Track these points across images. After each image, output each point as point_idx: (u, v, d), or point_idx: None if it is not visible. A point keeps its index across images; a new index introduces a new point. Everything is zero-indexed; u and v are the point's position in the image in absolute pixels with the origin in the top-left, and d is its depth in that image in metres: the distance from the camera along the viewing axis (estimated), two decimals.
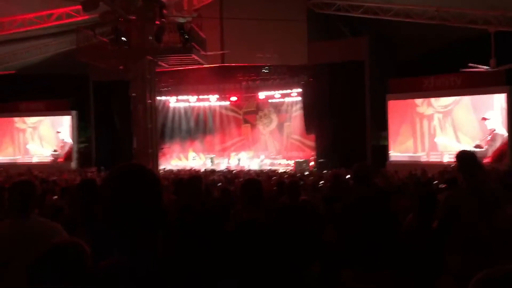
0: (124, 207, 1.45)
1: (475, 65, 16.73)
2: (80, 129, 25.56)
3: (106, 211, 1.48)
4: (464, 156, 3.70)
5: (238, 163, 25.26)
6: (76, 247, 2.04)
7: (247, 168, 23.05)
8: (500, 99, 17.83)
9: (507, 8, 15.91)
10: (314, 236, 3.88)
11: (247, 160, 25.67)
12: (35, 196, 3.24)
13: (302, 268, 2.90)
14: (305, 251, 3.30)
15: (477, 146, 17.96)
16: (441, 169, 13.60)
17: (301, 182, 7.87)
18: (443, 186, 7.20)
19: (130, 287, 1.43)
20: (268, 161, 25.37)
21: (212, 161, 25.49)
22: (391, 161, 20.22)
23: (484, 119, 18.08)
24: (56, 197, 7.06)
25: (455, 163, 3.78)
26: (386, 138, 21.11)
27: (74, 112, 24.89)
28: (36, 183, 3.54)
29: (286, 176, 15.81)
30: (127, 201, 1.45)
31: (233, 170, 20.71)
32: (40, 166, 22.59)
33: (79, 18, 17.59)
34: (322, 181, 10.43)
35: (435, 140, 19.40)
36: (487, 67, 16.86)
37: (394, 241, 3.71)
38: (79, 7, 14.99)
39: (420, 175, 13.25)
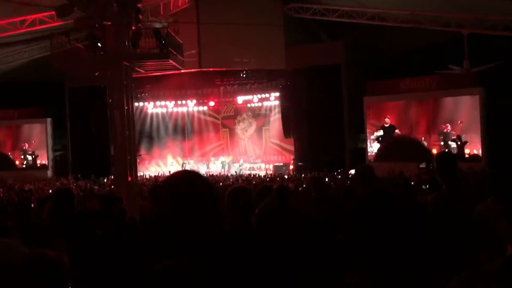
0: (184, 213, 1.49)
1: (450, 67, 17.07)
2: (55, 137, 25.10)
3: (166, 215, 1.52)
4: (443, 158, 3.74)
5: (218, 168, 25.18)
6: (51, 258, 2.00)
7: (227, 173, 22.99)
8: None
9: (479, 11, 16.28)
10: (307, 240, 3.87)
11: (226, 165, 25.61)
12: None
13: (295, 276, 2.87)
14: (295, 257, 3.27)
15: None
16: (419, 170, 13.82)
17: None
18: (426, 187, 7.28)
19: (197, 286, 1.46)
20: (247, 166, 25.34)
21: (183, 166, 25.31)
22: (369, 163, 20.42)
23: None
24: (33, 205, 6.92)
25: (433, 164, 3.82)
26: (364, 140, 21.34)
27: (49, 120, 24.45)
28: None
29: (267, 180, 15.85)
30: (187, 208, 1.50)
31: (212, 175, 20.65)
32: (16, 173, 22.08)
33: (53, 24, 17.29)
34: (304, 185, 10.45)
35: None
36: (461, 69, 17.23)
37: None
38: (53, 13, 14.76)
39: (398, 176, 13.42)
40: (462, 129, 18.53)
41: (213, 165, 25.80)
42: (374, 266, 3.48)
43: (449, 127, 18.75)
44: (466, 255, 3.15)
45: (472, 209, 2.89)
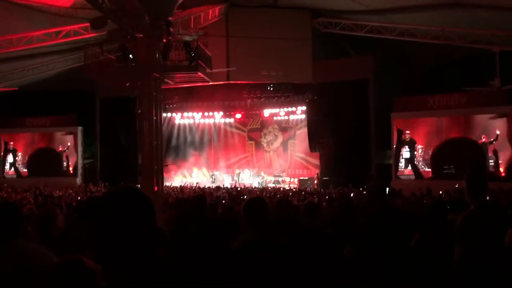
0: (118, 227, 1.55)
1: (480, 85, 16.80)
2: (85, 145, 25.66)
3: (102, 231, 1.58)
4: (474, 179, 3.68)
5: (243, 181, 25.23)
6: (83, 265, 1.97)
7: (251, 186, 23.01)
8: None
9: (511, 28, 16.01)
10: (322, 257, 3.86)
11: (251, 177, 25.64)
12: (21, 220, 2.99)
13: None
14: (308, 272, 3.27)
15: None
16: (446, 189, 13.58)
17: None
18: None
19: None
20: (272, 179, 25.32)
21: (213, 178, 25.55)
22: (397, 180, 20.11)
23: None
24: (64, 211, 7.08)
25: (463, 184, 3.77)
26: (390, 157, 21.06)
27: (80, 128, 25.02)
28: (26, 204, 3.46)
29: (290, 194, 15.81)
30: (120, 222, 1.55)
31: (237, 188, 20.69)
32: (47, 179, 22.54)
33: (87, 36, 17.77)
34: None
35: None
36: (491, 87, 16.93)
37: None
38: (88, 24, 15.16)
39: (426, 194, 13.20)
40: (498, 146, 18.07)
41: (238, 177, 25.86)
42: (378, 282, 3.46)
43: (484, 138, 18.25)
44: (495, 275, 3.10)
45: (500, 229, 2.85)
